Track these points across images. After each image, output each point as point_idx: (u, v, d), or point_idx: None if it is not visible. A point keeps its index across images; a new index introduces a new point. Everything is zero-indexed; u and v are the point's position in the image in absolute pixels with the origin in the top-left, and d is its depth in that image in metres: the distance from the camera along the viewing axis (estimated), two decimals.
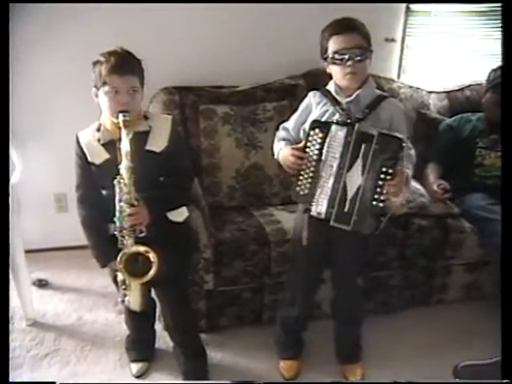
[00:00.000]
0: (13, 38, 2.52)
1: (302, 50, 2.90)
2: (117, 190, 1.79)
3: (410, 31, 3.22)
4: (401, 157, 1.86)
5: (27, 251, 2.63)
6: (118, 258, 1.82)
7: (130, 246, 1.83)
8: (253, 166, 2.70)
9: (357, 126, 1.85)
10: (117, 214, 1.81)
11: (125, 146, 1.76)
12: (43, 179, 3.01)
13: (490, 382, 2.11)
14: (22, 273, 2.52)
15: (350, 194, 1.88)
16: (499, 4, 3.08)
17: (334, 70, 1.95)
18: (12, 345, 2.40)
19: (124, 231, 1.83)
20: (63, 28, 2.74)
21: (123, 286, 1.92)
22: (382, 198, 1.84)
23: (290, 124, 2.12)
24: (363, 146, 1.84)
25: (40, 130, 2.92)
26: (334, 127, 1.88)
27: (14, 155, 2.55)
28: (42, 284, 2.85)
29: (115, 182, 1.78)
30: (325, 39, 1.95)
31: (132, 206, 1.80)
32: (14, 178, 2.49)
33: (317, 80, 2.66)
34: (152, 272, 1.81)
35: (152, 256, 1.81)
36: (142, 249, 1.82)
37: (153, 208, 1.85)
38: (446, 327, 2.58)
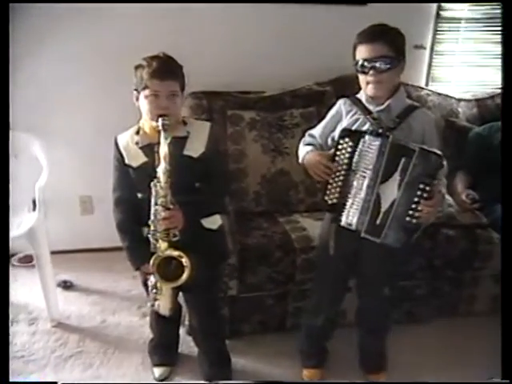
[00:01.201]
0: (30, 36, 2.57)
1: (330, 57, 2.89)
2: (153, 192, 1.80)
3: (439, 38, 3.18)
4: (439, 174, 1.83)
5: (53, 252, 2.65)
6: (151, 261, 1.83)
7: (163, 250, 1.84)
8: (279, 172, 2.68)
9: (391, 137, 1.81)
10: (151, 217, 1.82)
11: (163, 148, 1.77)
12: (69, 181, 3.04)
13: (490, 382, 2.09)
14: (47, 274, 2.55)
15: (384, 206, 1.85)
16: None
17: (360, 78, 1.93)
18: (36, 346, 2.43)
19: (158, 234, 1.84)
20: (69, 26, 2.76)
21: (154, 290, 1.92)
22: (416, 214, 1.81)
23: (318, 131, 2.10)
24: (403, 160, 1.80)
25: (65, 131, 2.95)
26: (367, 137, 1.85)
27: (42, 157, 2.58)
28: (66, 286, 2.88)
29: (152, 184, 1.79)
30: (354, 47, 1.92)
31: (167, 209, 1.81)
32: (42, 180, 2.51)
33: (345, 87, 2.63)
34: (184, 276, 1.81)
35: (185, 260, 1.81)
36: (175, 253, 1.82)
37: (187, 213, 1.86)
38: (474, 340, 2.53)
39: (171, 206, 1.81)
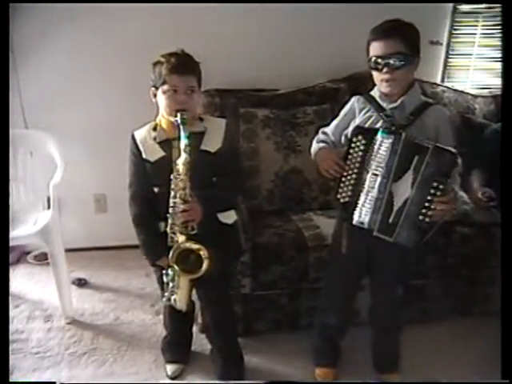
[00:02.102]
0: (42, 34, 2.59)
1: (343, 54, 2.87)
2: (172, 185, 1.82)
3: (456, 33, 3.14)
4: (454, 173, 1.81)
5: (67, 250, 2.67)
6: (171, 253, 1.84)
7: (181, 243, 1.85)
8: (292, 170, 2.67)
9: (404, 134, 1.79)
10: (170, 210, 1.84)
11: (183, 140, 1.79)
12: (83, 180, 3.06)
13: (490, 382, 2.06)
14: (62, 272, 2.57)
15: (397, 205, 1.82)
16: None
17: (374, 75, 1.90)
18: (51, 342, 2.45)
19: (176, 228, 1.86)
20: (75, 24, 2.77)
21: (171, 284, 1.93)
22: (429, 213, 1.78)
23: (331, 128, 2.08)
24: (416, 158, 1.77)
25: (82, 131, 2.96)
26: (379, 135, 1.83)
27: (56, 154, 2.60)
28: (81, 283, 2.90)
29: (172, 176, 1.81)
30: (367, 43, 1.89)
31: (186, 202, 1.82)
32: (56, 177, 2.52)
33: (359, 84, 2.64)
34: (204, 267, 1.82)
35: (203, 253, 1.82)
36: (195, 246, 1.83)
37: (205, 206, 1.88)
38: (489, 340, 2.48)
39: (190, 199, 1.83)
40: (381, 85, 1.89)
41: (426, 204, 1.78)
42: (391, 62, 1.81)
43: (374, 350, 2.30)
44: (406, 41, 1.82)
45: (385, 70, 1.82)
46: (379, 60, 1.82)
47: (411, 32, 1.86)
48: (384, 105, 1.91)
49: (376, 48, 1.84)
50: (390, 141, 1.81)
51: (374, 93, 1.96)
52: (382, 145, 1.82)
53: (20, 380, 2.22)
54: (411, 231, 1.82)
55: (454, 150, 1.77)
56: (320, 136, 2.10)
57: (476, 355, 2.39)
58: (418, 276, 2.47)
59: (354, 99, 2.02)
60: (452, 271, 2.51)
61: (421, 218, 1.79)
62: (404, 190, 1.81)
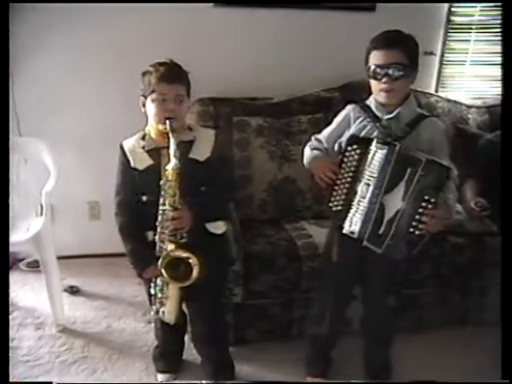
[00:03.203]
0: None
1: (338, 63, 2.90)
2: (161, 192, 1.81)
3: (449, 44, 3.17)
4: (446, 187, 1.80)
5: (60, 258, 2.66)
6: (160, 261, 1.83)
7: (170, 251, 1.84)
8: (285, 179, 2.67)
9: (398, 146, 1.79)
10: (159, 217, 1.84)
11: (173, 146, 1.78)
12: (77, 187, 3.05)
13: (490, 382, 2.06)
14: (54, 279, 2.56)
15: (387, 216, 1.82)
16: None
17: (372, 84, 1.90)
18: (42, 350, 2.43)
19: (164, 236, 1.85)
20: (75, 26, 2.78)
21: (160, 295, 1.92)
22: (419, 226, 1.77)
23: (324, 135, 2.08)
24: (408, 170, 1.77)
25: (76, 138, 2.96)
26: (374, 145, 1.83)
27: (49, 162, 2.59)
28: (73, 291, 2.88)
29: (161, 183, 1.80)
30: (367, 51, 1.89)
31: (176, 209, 1.82)
32: (49, 185, 2.52)
33: (353, 93, 2.64)
34: (194, 275, 1.81)
35: (193, 261, 1.81)
36: (184, 255, 1.82)
37: (194, 214, 1.87)
38: (482, 350, 2.49)
39: (179, 206, 1.83)
40: (379, 94, 1.89)
41: (417, 217, 1.77)
42: (391, 72, 1.81)
43: (366, 360, 2.29)
44: (406, 52, 1.83)
45: (384, 79, 1.83)
46: (379, 69, 1.83)
47: (411, 44, 1.87)
48: (380, 115, 1.91)
49: (377, 57, 1.84)
50: (384, 151, 1.81)
51: (370, 102, 1.96)
52: (376, 155, 1.82)
53: None
54: (401, 243, 1.81)
55: (446, 164, 1.77)
56: (313, 143, 2.10)
57: (469, 364, 2.39)
58: (411, 285, 2.47)
59: (349, 107, 2.02)
60: (445, 281, 2.51)
61: (411, 230, 1.79)
62: (395, 201, 1.80)
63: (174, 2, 2.73)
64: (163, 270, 1.84)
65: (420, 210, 1.76)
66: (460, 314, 2.64)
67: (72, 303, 2.79)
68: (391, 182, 1.81)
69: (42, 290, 2.66)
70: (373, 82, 1.89)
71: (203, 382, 2.22)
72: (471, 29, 3.15)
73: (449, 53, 3.19)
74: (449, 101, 3.06)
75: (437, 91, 3.22)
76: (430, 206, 1.75)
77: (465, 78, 3.29)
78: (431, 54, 3.12)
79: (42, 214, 2.54)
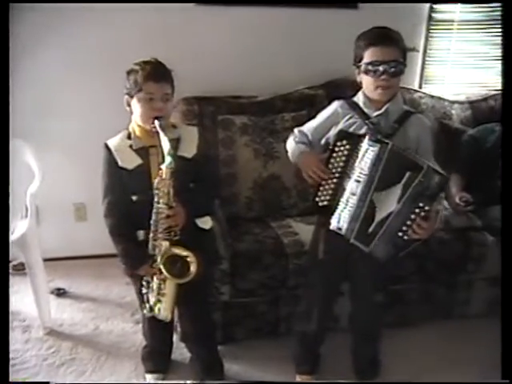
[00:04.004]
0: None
1: (321, 61, 2.91)
2: (155, 191, 1.81)
3: (432, 40, 3.19)
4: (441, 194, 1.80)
5: (46, 260, 2.65)
6: (159, 258, 1.84)
7: (169, 248, 1.85)
8: (271, 177, 2.67)
9: (390, 144, 1.77)
10: (153, 216, 1.83)
11: (166, 145, 1.78)
12: (62, 188, 3.03)
13: (490, 382, 2.07)
14: (40, 281, 2.54)
15: (379, 216, 1.80)
16: None
17: (366, 80, 1.89)
18: (28, 353, 2.41)
19: (159, 234, 1.85)
20: (70, 27, 2.76)
21: (156, 292, 1.92)
22: (409, 231, 1.77)
23: (309, 129, 2.06)
24: (407, 174, 1.74)
25: (59, 139, 2.94)
26: (366, 142, 1.81)
27: (34, 163, 2.57)
28: (60, 293, 2.87)
29: (155, 182, 1.80)
30: (361, 48, 1.88)
31: (170, 207, 1.82)
32: (34, 186, 2.50)
33: (336, 90, 2.65)
34: (192, 269, 1.82)
35: (190, 258, 1.82)
36: (184, 253, 1.83)
37: (187, 211, 1.88)
38: (468, 343, 2.51)
39: (173, 204, 1.83)
40: (374, 91, 1.88)
41: (408, 222, 1.77)
42: (390, 68, 1.81)
43: (354, 356, 2.30)
44: (401, 49, 1.85)
45: (383, 76, 1.82)
46: (377, 66, 1.82)
47: (403, 41, 1.88)
48: (368, 112, 1.91)
49: (375, 53, 1.83)
50: (377, 149, 1.79)
51: (358, 99, 1.96)
52: (368, 152, 1.80)
53: None
54: (388, 245, 1.81)
55: (444, 173, 1.76)
56: (298, 135, 2.07)
57: (456, 358, 2.41)
58: (397, 281, 2.48)
59: (337, 103, 2.01)
60: (430, 276, 2.52)
61: (400, 234, 1.79)
62: (389, 202, 1.78)
63: (156, 1, 2.72)
64: (162, 267, 1.85)
65: (412, 216, 1.76)
66: (445, 309, 2.66)
67: (59, 305, 2.77)
68: (384, 181, 1.79)
69: (27, 292, 2.64)
70: (367, 79, 1.88)
71: (188, 382, 2.23)
72: (453, 25, 3.17)
73: (431, 48, 3.21)
74: (432, 97, 3.07)
75: (420, 87, 3.24)
76: (422, 214, 1.75)
77: (448, 74, 3.30)
78: (414, 50, 3.13)
79: (26, 216, 2.52)
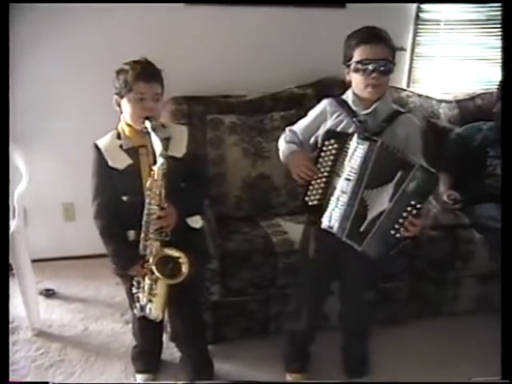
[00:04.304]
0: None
1: (310, 60, 2.91)
2: (147, 192, 1.80)
3: (419, 40, 3.20)
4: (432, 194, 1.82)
5: (34, 260, 2.63)
6: (152, 259, 1.84)
7: (161, 249, 1.85)
8: (260, 176, 2.68)
9: (380, 142, 1.78)
10: (144, 217, 1.83)
11: (158, 146, 1.77)
12: (50, 188, 3.01)
13: (489, 382, 2.08)
14: (28, 282, 2.52)
15: (371, 214, 1.81)
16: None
17: (356, 79, 1.89)
18: (17, 355, 2.39)
19: (150, 235, 1.85)
20: (66, 27, 2.75)
21: (147, 293, 1.91)
22: (401, 229, 1.78)
23: (299, 128, 2.06)
24: (399, 173, 1.76)
25: (47, 138, 2.92)
26: (355, 140, 1.82)
27: (21, 164, 2.55)
28: (49, 294, 2.85)
29: (147, 183, 1.79)
30: (351, 47, 1.88)
31: (162, 208, 1.82)
32: (21, 186, 2.48)
33: (325, 90, 2.64)
34: (184, 270, 1.83)
35: (182, 259, 1.83)
36: (176, 254, 1.84)
37: (178, 211, 1.88)
38: (457, 339, 2.54)
39: (165, 205, 1.83)
40: (364, 90, 1.88)
41: (400, 220, 1.77)
42: (380, 66, 1.82)
43: (344, 354, 2.31)
44: (391, 48, 1.86)
45: (374, 74, 1.82)
46: (367, 64, 1.82)
47: (391, 40, 1.89)
48: (356, 110, 1.91)
49: (365, 51, 1.83)
50: (366, 147, 1.79)
51: (347, 97, 1.97)
52: (357, 150, 1.81)
53: None
54: (379, 243, 1.82)
55: (435, 172, 1.77)
56: (288, 135, 2.08)
57: (445, 354, 2.43)
58: (387, 279, 2.49)
59: (326, 102, 2.02)
60: (419, 273, 2.53)
61: (392, 232, 1.79)
62: (382, 201, 1.79)
63: (145, 1, 2.72)
64: (154, 268, 1.84)
65: (404, 215, 1.77)
66: (434, 306, 2.67)
67: (48, 306, 2.76)
68: (374, 179, 1.80)
69: (16, 293, 2.62)
70: (357, 78, 1.88)
71: (178, 382, 2.22)
72: (440, 24, 3.19)
73: (419, 48, 3.23)
74: (420, 95, 3.09)
75: (408, 86, 3.25)
76: (414, 212, 1.76)
77: (435, 74, 3.32)
78: (401, 49, 3.13)
79: (14, 216, 2.50)
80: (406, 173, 1.74)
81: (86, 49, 2.79)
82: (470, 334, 2.56)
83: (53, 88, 2.84)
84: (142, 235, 1.85)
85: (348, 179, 1.83)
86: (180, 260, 1.83)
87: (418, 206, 1.75)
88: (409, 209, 1.76)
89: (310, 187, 1.91)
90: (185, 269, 1.83)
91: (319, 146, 1.90)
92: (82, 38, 2.77)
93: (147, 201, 1.81)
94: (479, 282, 2.64)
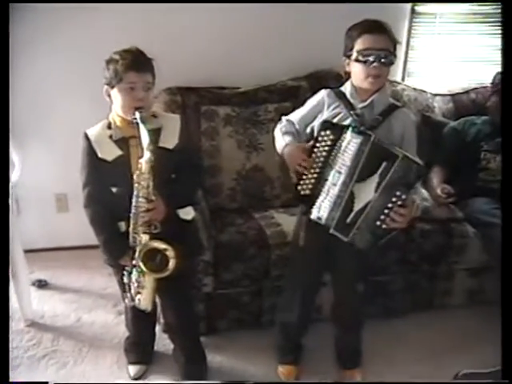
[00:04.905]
0: (11, 36, 2.53)
1: (305, 52, 2.90)
2: (135, 184, 1.79)
3: (414, 33, 3.19)
4: (417, 184, 1.82)
5: (27, 251, 2.62)
6: (138, 252, 1.83)
7: (148, 242, 1.84)
8: (254, 168, 2.67)
9: (373, 137, 1.78)
10: (132, 209, 1.81)
11: (145, 139, 1.76)
12: (43, 179, 3.00)
13: (489, 382, 2.09)
14: (20, 273, 2.51)
15: (357, 206, 1.81)
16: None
17: (357, 69, 1.88)
18: (9, 346, 2.38)
19: (138, 228, 1.84)
20: (63, 27, 2.73)
21: (136, 284, 1.91)
22: (387, 220, 1.78)
23: (296, 117, 2.05)
24: (384, 164, 1.75)
25: (40, 129, 2.91)
26: (349, 133, 1.81)
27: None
28: (41, 284, 2.84)
29: (135, 176, 1.78)
30: (352, 37, 1.88)
31: (149, 201, 1.81)
32: (14, 177, 2.47)
33: (320, 82, 2.65)
34: (171, 266, 1.82)
35: (170, 253, 1.81)
36: (162, 246, 1.82)
37: (168, 204, 1.87)
38: (449, 332, 2.55)
39: (153, 198, 1.81)
40: (365, 80, 1.87)
41: (386, 211, 1.78)
42: (382, 57, 1.82)
43: (337, 346, 2.31)
44: (392, 40, 1.86)
45: (375, 64, 1.82)
46: (370, 53, 1.82)
47: (393, 33, 1.89)
48: (354, 102, 1.91)
49: (368, 41, 1.83)
50: (359, 141, 1.79)
51: (345, 89, 1.96)
52: (350, 143, 1.81)
53: None
54: (367, 234, 1.82)
55: (421, 162, 1.77)
56: (285, 125, 2.07)
57: (437, 347, 2.44)
58: (379, 272, 2.50)
59: (324, 92, 2.01)
60: (412, 266, 2.54)
61: (378, 223, 1.80)
62: (367, 192, 1.80)
63: (145, 1, 2.70)
64: (140, 262, 1.83)
65: (390, 205, 1.77)
66: (427, 299, 2.68)
67: (40, 297, 2.75)
68: (364, 172, 1.80)
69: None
70: (358, 67, 1.87)
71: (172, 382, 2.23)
72: (435, 17, 3.18)
73: (414, 41, 3.22)
74: (415, 89, 3.08)
75: (403, 80, 3.25)
76: (399, 202, 1.76)
77: (431, 67, 3.32)
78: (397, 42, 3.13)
79: None
80: (390, 163, 1.75)
81: (76, 41, 2.77)
82: (461, 327, 2.57)
83: (46, 79, 2.83)
84: (131, 227, 1.85)
85: (339, 172, 1.84)
86: (167, 253, 1.82)
87: (403, 196, 1.76)
88: (394, 199, 1.76)
89: (304, 177, 1.91)
90: (172, 263, 1.82)
91: (315, 136, 1.90)
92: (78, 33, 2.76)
93: (135, 193, 1.80)
94: (471, 275, 2.64)
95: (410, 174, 1.75)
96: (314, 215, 1.90)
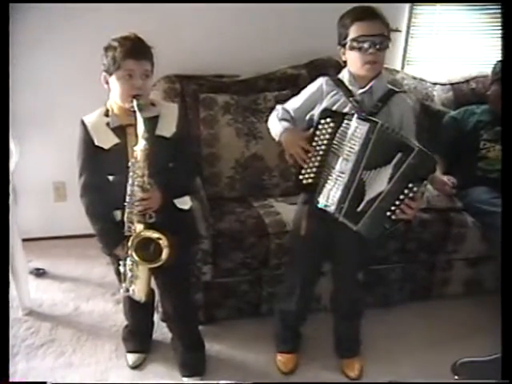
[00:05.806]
0: (12, 28, 2.51)
1: (304, 40, 2.89)
2: (130, 173, 1.78)
3: (415, 21, 3.17)
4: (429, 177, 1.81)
5: (25, 240, 2.62)
6: (130, 241, 1.82)
7: (140, 231, 1.83)
8: (253, 157, 2.66)
9: (379, 124, 1.76)
10: (127, 198, 1.81)
11: (141, 128, 1.75)
12: (41, 167, 2.99)
13: (489, 382, 2.08)
14: (19, 262, 2.50)
15: (369, 195, 1.80)
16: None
17: (353, 56, 1.88)
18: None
19: (133, 217, 1.83)
20: (63, 19, 2.71)
21: (130, 274, 1.91)
22: (397, 211, 1.78)
23: (292, 106, 2.04)
24: (398, 155, 1.74)
25: (38, 117, 2.89)
26: (354, 120, 1.80)
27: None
28: (39, 273, 2.84)
29: (130, 164, 1.77)
30: (345, 25, 1.88)
31: (144, 190, 1.80)
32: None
33: (319, 70, 2.64)
34: (164, 256, 1.81)
35: (163, 242, 1.80)
36: (155, 235, 1.81)
37: (163, 193, 1.86)
38: (447, 322, 2.55)
39: (148, 187, 1.80)
40: (362, 67, 1.87)
41: (397, 202, 1.77)
42: (377, 42, 1.81)
43: (336, 335, 2.31)
44: (385, 24, 1.86)
45: (370, 50, 1.82)
46: (364, 40, 1.82)
47: (386, 17, 1.88)
48: (353, 89, 1.91)
49: (362, 28, 1.83)
50: (366, 128, 1.78)
51: (343, 76, 1.96)
52: (357, 131, 1.80)
53: None
54: (375, 224, 1.82)
55: (434, 157, 1.78)
56: (281, 112, 2.05)
57: (435, 336, 2.45)
58: (378, 261, 2.50)
59: (322, 80, 2.00)
60: (411, 256, 2.54)
61: (388, 214, 1.79)
62: (380, 182, 1.79)
63: (145, 2, 2.69)
64: (133, 252, 1.82)
65: (401, 197, 1.76)
66: (425, 289, 2.68)
67: (38, 286, 2.75)
68: (373, 160, 1.79)
69: None
70: (354, 55, 1.87)
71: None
72: (435, 5, 3.16)
73: (414, 29, 3.20)
74: (414, 78, 3.07)
75: (403, 68, 3.23)
76: (411, 195, 1.76)
77: (430, 56, 3.30)
78: (397, 30, 3.09)
79: None
80: (405, 155, 1.74)
81: (75, 32, 2.76)
82: (460, 316, 2.58)
83: (45, 69, 2.81)
84: (126, 216, 1.84)
85: (347, 159, 1.82)
86: (161, 242, 1.81)
87: (415, 189, 1.75)
88: (406, 191, 1.76)
89: (305, 165, 1.90)
90: (165, 253, 1.81)
91: (315, 124, 1.89)
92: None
93: (129, 182, 1.79)
94: (469, 265, 2.65)
95: (425, 167, 1.75)
96: (321, 203, 1.89)
